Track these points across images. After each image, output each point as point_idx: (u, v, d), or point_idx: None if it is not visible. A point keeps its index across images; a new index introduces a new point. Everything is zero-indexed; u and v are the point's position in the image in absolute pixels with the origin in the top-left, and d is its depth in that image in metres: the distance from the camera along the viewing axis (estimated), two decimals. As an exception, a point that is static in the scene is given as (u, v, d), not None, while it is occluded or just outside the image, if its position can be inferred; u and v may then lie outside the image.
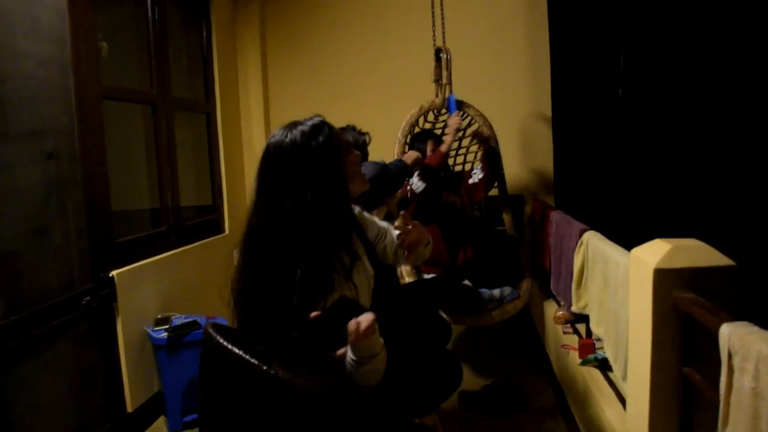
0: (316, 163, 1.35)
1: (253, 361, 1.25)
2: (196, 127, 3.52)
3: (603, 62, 3.69)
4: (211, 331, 1.35)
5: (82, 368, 2.24)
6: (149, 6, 2.78)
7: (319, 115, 1.46)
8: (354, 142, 2.20)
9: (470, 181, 3.01)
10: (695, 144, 3.49)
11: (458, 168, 3.46)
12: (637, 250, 1.42)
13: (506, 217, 3.06)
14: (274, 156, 1.38)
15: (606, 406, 1.78)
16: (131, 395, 2.44)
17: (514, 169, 3.77)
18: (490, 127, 3.01)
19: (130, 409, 2.43)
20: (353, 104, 3.92)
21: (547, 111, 3.68)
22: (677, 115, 3.55)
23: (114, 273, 2.37)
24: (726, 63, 3.35)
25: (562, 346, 2.39)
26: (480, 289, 2.74)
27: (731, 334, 1.01)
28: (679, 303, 1.26)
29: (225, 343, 1.29)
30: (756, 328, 0.99)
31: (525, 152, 3.80)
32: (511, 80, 3.73)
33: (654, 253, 1.33)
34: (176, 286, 2.82)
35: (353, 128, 2.20)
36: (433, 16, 3.01)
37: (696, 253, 1.31)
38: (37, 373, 1.99)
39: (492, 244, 2.88)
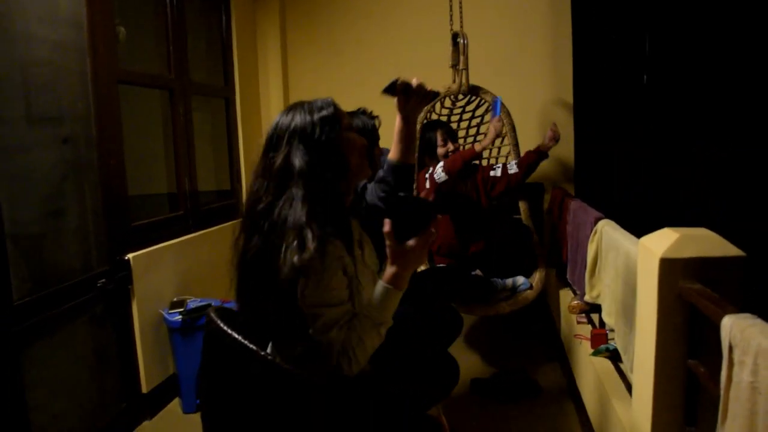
0: (319, 134, 1.35)
1: (251, 346, 1.25)
2: (216, 112, 3.54)
3: (627, 47, 3.60)
4: (212, 315, 1.36)
5: (98, 348, 2.29)
6: (167, -9, 2.80)
7: (330, 98, 1.46)
8: (363, 125, 2.17)
9: (492, 173, 2.96)
10: (726, 134, 3.40)
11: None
12: (646, 239, 1.38)
13: (522, 206, 3.01)
14: (279, 125, 1.39)
15: (614, 397, 1.76)
16: (146, 376, 2.49)
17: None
18: (508, 113, 2.96)
19: (145, 389, 2.48)
20: (372, 88, 3.85)
21: (569, 97, 3.61)
22: (706, 101, 3.45)
23: (130, 256, 2.40)
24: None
25: (575, 335, 2.36)
26: (492, 279, 2.72)
27: (732, 327, 0.98)
28: (684, 293, 1.23)
29: (225, 328, 1.30)
30: (758, 321, 0.96)
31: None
32: (532, 65, 3.67)
33: (661, 242, 1.30)
34: (192, 270, 2.86)
35: (363, 112, 2.17)
36: (450, 0, 2.97)
37: (705, 242, 1.27)
38: (53, 351, 2.04)
39: (505, 233, 2.84)
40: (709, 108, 3.37)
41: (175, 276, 2.73)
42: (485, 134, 3.06)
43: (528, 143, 3.54)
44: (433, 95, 1.64)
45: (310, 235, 1.25)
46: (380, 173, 1.71)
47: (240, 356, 1.27)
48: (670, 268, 1.26)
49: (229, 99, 3.52)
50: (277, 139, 1.39)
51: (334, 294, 1.31)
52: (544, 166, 3.77)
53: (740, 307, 1.13)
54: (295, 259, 1.24)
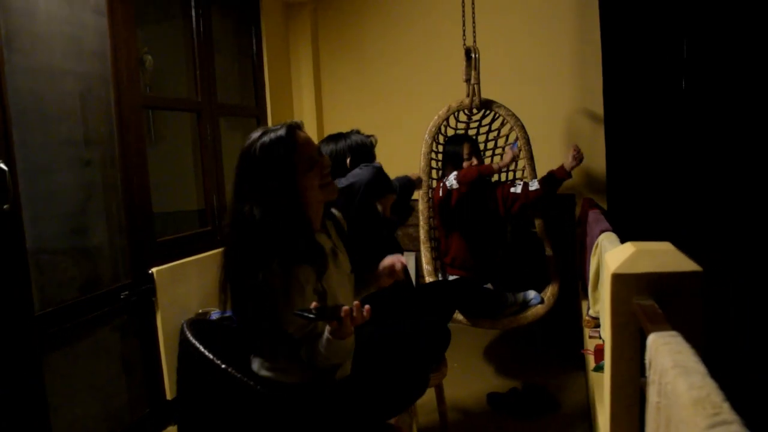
0: (261, 168, 1.41)
1: (217, 362, 1.34)
2: (249, 130, 3.69)
3: (663, 51, 3.47)
4: (185, 328, 1.45)
5: (123, 356, 2.45)
6: (194, 18, 2.97)
7: (294, 122, 1.53)
8: (362, 143, 2.23)
9: (512, 189, 2.94)
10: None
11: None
12: (608, 254, 1.36)
13: (537, 221, 2.98)
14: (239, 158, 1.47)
15: (601, 415, 1.72)
16: (170, 384, 2.63)
17: (563, 168, 3.65)
18: (522, 127, 2.95)
19: (168, 396, 2.62)
20: (402, 101, 3.97)
21: (598, 107, 3.52)
22: (748, 108, 3.27)
23: (154, 270, 2.56)
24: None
25: (583, 350, 2.31)
26: (503, 293, 2.70)
27: (651, 344, 0.96)
28: (635, 310, 1.21)
29: (193, 341, 1.39)
30: (674, 340, 0.94)
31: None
32: (557, 74, 3.60)
33: (617, 257, 1.28)
34: (217, 283, 2.98)
35: (357, 132, 2.24)
36: (463, 15, 2.99)
37: (661, 257, 1.24)
38: (78, 357, 2.20)
39: (517, 247, 2.82)
40: (756, 113, 3.18)
41: (200, 289, 2.87)
42: (501, 154, 3.09)
43: (552, 155, 3.50)
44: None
45: (275, 265, 1.33)
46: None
47: (206, 369, 1.35)
48: (622, 284, 1.23)
49: (260, 118, 3.67)
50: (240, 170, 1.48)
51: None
52: (574, 178, 3.71)
53: (698, 323, 1.11)
54: (261, 284, 1.34)
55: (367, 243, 2.00)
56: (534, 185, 2.84)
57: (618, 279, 1.25)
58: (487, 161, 3.29)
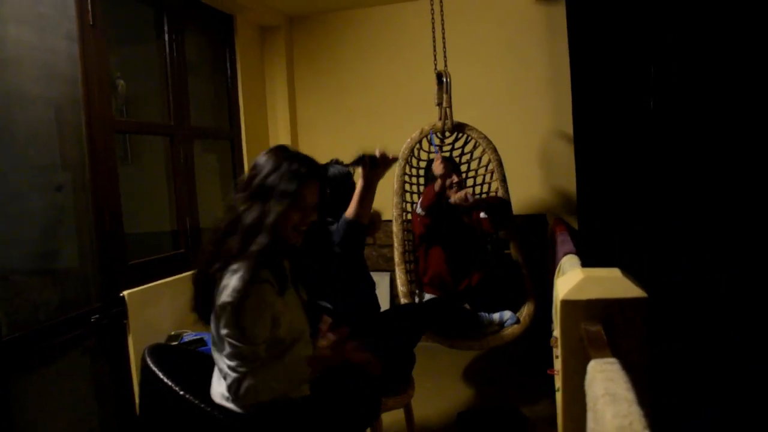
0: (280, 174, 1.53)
1: (175, 388, 1.36)
2: (224, 151, 3.73)
3: (630, 73, 3.57)
4: (146, 355, 1.47)
5: (95, 379, 2.45)
6: (167, 42, 3.01)
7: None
8: (339, 174, 2.28)
9: (482, 215, 2.99)
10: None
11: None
12: (558, 280, 1.41)
13: (512, 242, 3.03)
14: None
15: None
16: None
17: (535, 188, 3.72)
18: (494, 149, 3.01)
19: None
20: (376, 128, 4.02)
21: (568, 128, 3.61)
22: (717, 126, 3.36)
23: (125, 293, 2.56)
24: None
25: (548, 370, 2.34)
26: (479, 313, 2.73)
27: (589, 371, 1.00)
28: (582, 335, 1.25)
29: (154, 368, 1.40)
30: (612, 367, 0.98)
31: (546, 171, 3.73)
32: (530, 96, 3.69)
33: (567, 283, 1.32)
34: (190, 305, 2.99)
35: (337, 161, 2.29)
36: (434, 40, 3.05)
37: (609, 283, 1.29)
38: (48, 381, 2.20)
39: (493, 268, 2.86)
40: (727, 130, 3.26)
41: (173, 311, 2.86)
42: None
43: (530, 173, 3.58)
44: (393, 161, 1.91)
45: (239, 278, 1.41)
46: (336, 225, 1.90)
47: (167, 395, 1.37)
48: (571, 310, 1.28)
49: (234, 140, 3.69)
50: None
51: (252, 333, 1.41)
52: (546, 197, 3.79)
53: (641, 347, 1.15)
54: (224, 297, 1.40)
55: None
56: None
57: (567, 305, 1.29)
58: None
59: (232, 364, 1.41)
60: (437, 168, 2.73)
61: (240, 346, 1.41)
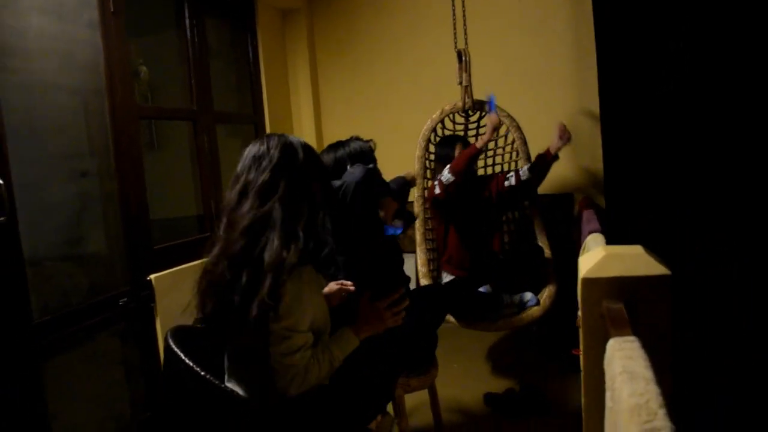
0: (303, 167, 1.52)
1: (197, 369, 1.37)
2: (248, 136, 3.75)
3: (658, 51, 3.46)
4: (168, 336, 1.49)
5: (124, 362, 2.50)
6: (188, 28, 3.02)
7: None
8: (361, 149, 2.26)
9: (506, 183, 2.94)
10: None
11: (489, 170, 3.41)
12: (582, 258, 1.38)
13: (537, 221, 2.98)
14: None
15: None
16: (170, 388, 2.67)
17: (561, 168, 3.64)
18: (518, 128, 2.96)
19: (169, 400, 2.67)
20: (398, 108, 3.99)
21: (595, 105, 3.52)
22: (746, 106, 3.25)
23: (152, 277, 2.60)
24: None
25: (573, 350, 2.32)
26: (500, 294, 2.71)
27: (608, 349, 0.98)
28: (603, 313, 1.22)
29: (176, 349, 1.42)
30: (631, 345, 0.96)
31: (573, 150, 3.65)
32: (555, 75, 3.61)
33: (588, 261, 1.29)
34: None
35: (357, 138, 2.27)
36: (454, 18, 3.00)
37: (631, 261, 1.26)
38: (76, 364, 2.25)
39: (515, 248, 2.83)
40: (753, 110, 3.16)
41: (199, 294, 2.90)
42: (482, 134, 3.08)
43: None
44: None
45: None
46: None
47: (188, 376, 1.39)
48: (592, 288, 1.25)
49: (258, 124, 3.71)
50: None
51: (305, 320, 1.43)
52: (573, 177, 3.72)
53: (665, 326, 1.12)
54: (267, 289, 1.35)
55: (365, 245, 2.02)
56: (525, 174, 2.86)
57: (588, 283, 1.26)
58: (485, 162, 3.31)
59: (295, 355, 1.41)
60: (495, 121, 2.78)
61: (297, 334, 1.42)
